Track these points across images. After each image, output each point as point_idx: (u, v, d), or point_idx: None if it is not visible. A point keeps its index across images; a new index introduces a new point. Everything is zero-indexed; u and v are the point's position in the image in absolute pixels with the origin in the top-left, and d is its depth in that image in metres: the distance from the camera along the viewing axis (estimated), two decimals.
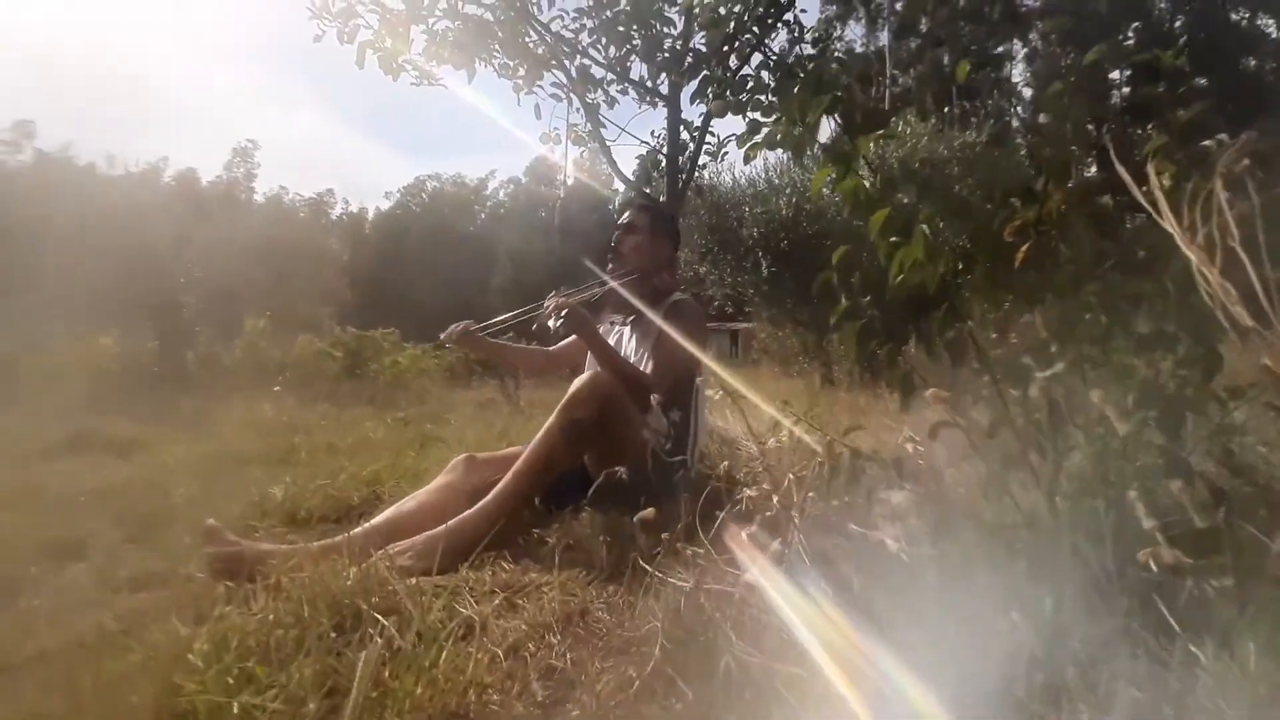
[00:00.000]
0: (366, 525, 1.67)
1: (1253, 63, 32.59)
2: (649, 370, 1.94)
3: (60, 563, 1.68)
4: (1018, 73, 31.10)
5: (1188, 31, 31.35)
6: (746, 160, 3.62)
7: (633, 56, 2.41)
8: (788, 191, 5.34)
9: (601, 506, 1.87)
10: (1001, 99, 29.94)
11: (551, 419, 1.71)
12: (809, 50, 2.40)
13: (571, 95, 2.64)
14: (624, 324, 2.12)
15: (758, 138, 2.34)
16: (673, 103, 2.53)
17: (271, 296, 10.58)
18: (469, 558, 1.51)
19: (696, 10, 2.08)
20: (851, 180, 1.14)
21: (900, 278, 1.06)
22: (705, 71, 2.19)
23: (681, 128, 2.54)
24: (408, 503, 1.76)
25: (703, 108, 2.48)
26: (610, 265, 2.11)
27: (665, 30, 2.35)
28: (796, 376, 9.15)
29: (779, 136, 2.38)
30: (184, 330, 9.58)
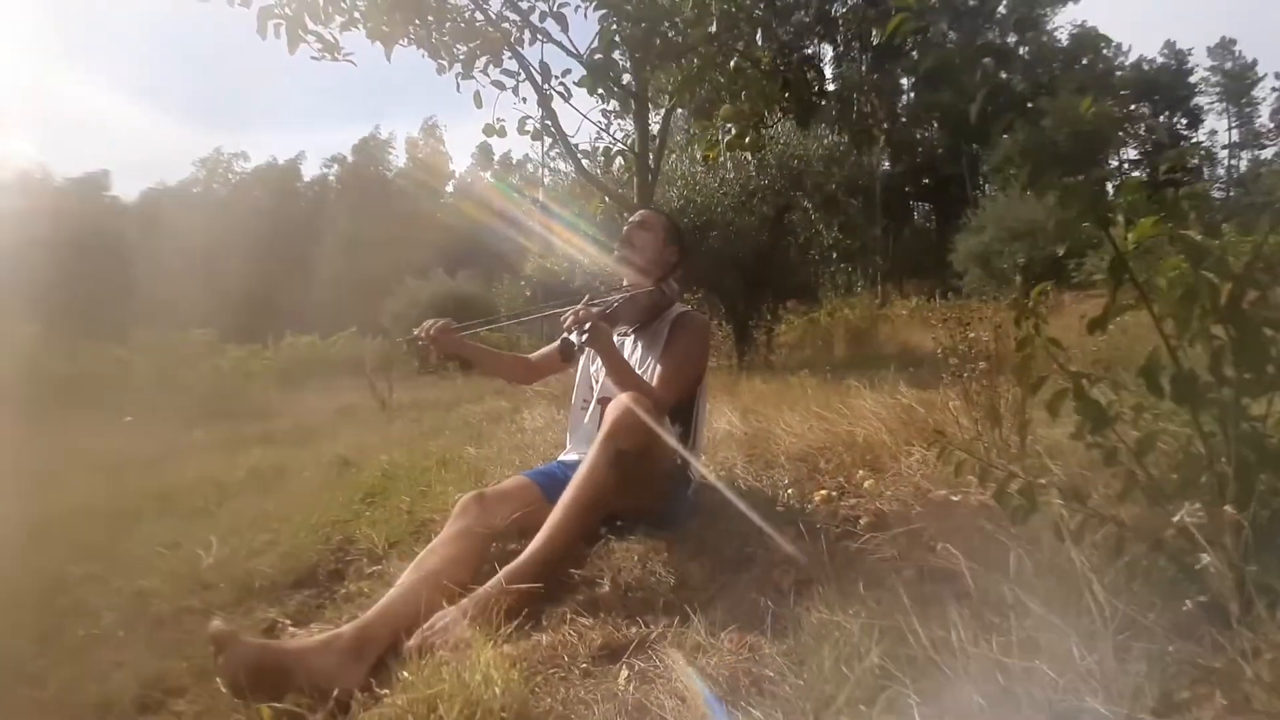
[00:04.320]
0: (391, 596, 1.41)
1: (1004, 75, 39.06)
2: (656, 384, 1.86)
3: None
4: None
5: (959, 47, 36.74)
6: (706, 161, 3.58)
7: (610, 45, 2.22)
8: (679, 184, 5.40)
9: (626, 531, 1.79)
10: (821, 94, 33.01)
11: (594, 453, 1.57)
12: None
13: (519, 85, 2.42)
14: (629, 333, 2.02)
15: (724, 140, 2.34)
16: (641, 100, 2.40)
17: (47, 297, 8.64)
18: (527, 616, 1.36)
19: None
20: None
21: None
22: (684, 69, 2.11)
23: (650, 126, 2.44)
24: (428, 559, 1.53)
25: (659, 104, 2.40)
26: (618, 253, 1.99)
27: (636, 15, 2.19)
28: None
29: (746, 140, 2.40)
30: None
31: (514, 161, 40.41)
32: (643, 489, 1.73)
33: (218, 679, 1.13)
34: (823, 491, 2.32)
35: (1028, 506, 1.01)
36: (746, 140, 2.35)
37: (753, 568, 1.62)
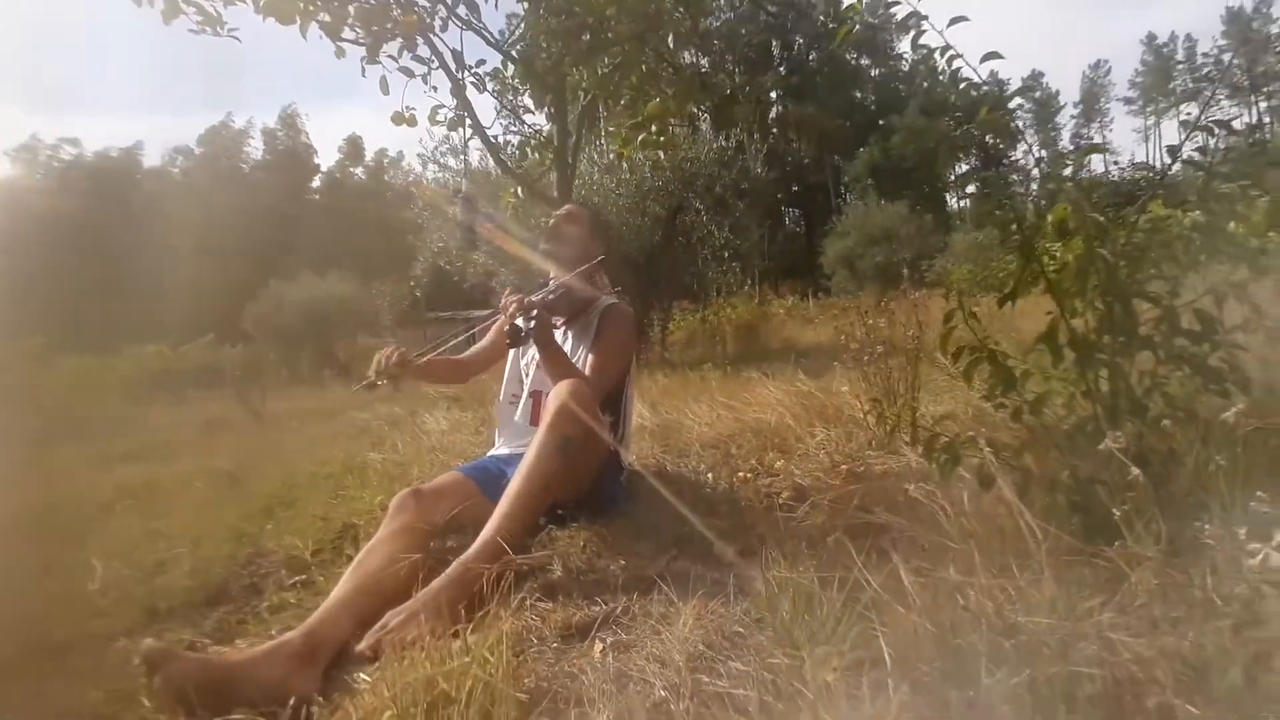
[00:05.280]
0: (333, 599, 1.35)
1: (858, 95, 42.76)
2: (588, 374, 1.90)
3: None
4: None
5: (819, 66, 39.89)
6: (622, 156, 3.61)
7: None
8: (576, 183, 5.42)
9: (566, 520, 1.80)
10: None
11: (541, 440, 1.57)
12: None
13: (431, 73, 2.34)
14: (559, 325, 2.03)
15: (640, 137, 2.42)
16: (561, 93, 2.39)
17: None
18: (479, 607, 1.34)
19: None
20: None
21: None
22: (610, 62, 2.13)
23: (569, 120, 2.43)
24: (368, 559, 1.47)
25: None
26: (545, 246, 1.99)
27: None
28: None
29: (660, 139, 2.48)
30: None
31: (387, 159, 38.38)
32: (583, 476, 1.75)
33: (151, 702, 1.03)
34: (740, 473, 2.45)
35: (952, 461, 1.16)
36: (661, 139, 2.44)
37: (694, 544, 1.69)
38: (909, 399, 2.63)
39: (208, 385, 9.94)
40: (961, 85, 1.12)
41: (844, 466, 2.39)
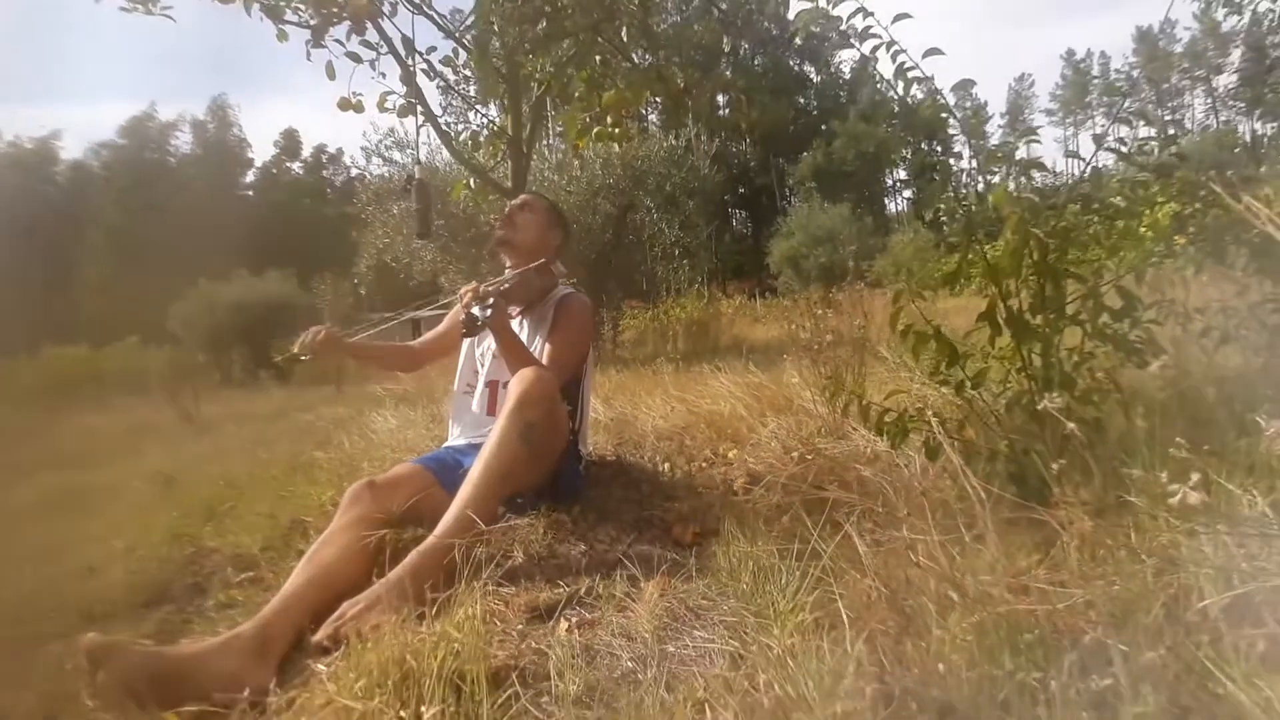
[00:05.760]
0: (286, 591, 1.31)
1: (801, 100, 43.86)
2: (545, 363, 1.90)
3: None
4: None
5: (764, 71, 40.76)
6: (576, 150, 3.59)
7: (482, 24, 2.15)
8: (527, 179, 5.40)
9: (526, 508, 1.80)
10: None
11: (503, 426, 1.56)
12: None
13: (380, 58, 2.28)
14: (515, 314, 2.01)
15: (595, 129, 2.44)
16: (513, 82, 2.36)
17: None
18: (441, 591, 1.33)
19: None
20: None
21: None
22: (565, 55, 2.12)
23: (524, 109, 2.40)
24: (322, 550, 1.43)
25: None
26: (500, 234, 1.97)
27: None
28: None
29: (614, 131, 2.50)
30: None
31: (326, 154, 37.05)
32: (544, 463, 1.75)
33: (94, 700, 0.98)
34: (695, 463, 2.49)
35: (902, 432, 1.22)
36: (616, 130, 2.45)
37: (653, 528, 1.72)
38: (857, 384, 2.73)
39: (133, 390, 9.40)
40: (910, 73, 1.17)
41: (796, 452, 2.46)
